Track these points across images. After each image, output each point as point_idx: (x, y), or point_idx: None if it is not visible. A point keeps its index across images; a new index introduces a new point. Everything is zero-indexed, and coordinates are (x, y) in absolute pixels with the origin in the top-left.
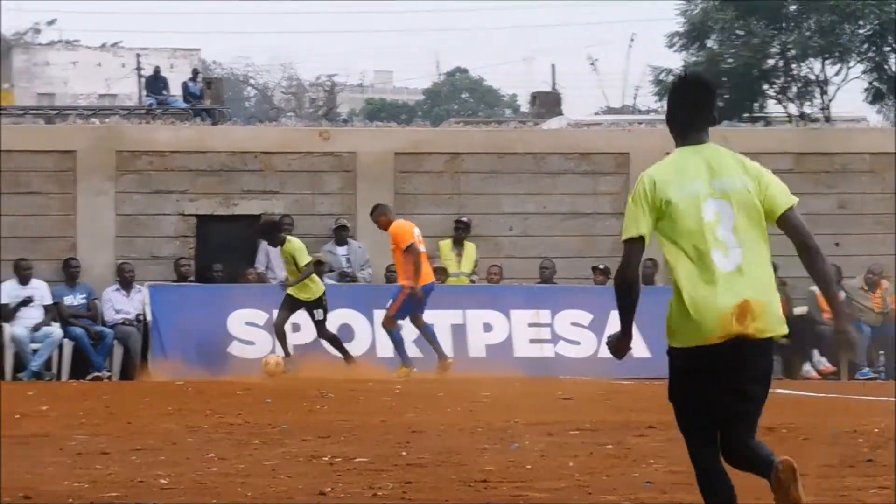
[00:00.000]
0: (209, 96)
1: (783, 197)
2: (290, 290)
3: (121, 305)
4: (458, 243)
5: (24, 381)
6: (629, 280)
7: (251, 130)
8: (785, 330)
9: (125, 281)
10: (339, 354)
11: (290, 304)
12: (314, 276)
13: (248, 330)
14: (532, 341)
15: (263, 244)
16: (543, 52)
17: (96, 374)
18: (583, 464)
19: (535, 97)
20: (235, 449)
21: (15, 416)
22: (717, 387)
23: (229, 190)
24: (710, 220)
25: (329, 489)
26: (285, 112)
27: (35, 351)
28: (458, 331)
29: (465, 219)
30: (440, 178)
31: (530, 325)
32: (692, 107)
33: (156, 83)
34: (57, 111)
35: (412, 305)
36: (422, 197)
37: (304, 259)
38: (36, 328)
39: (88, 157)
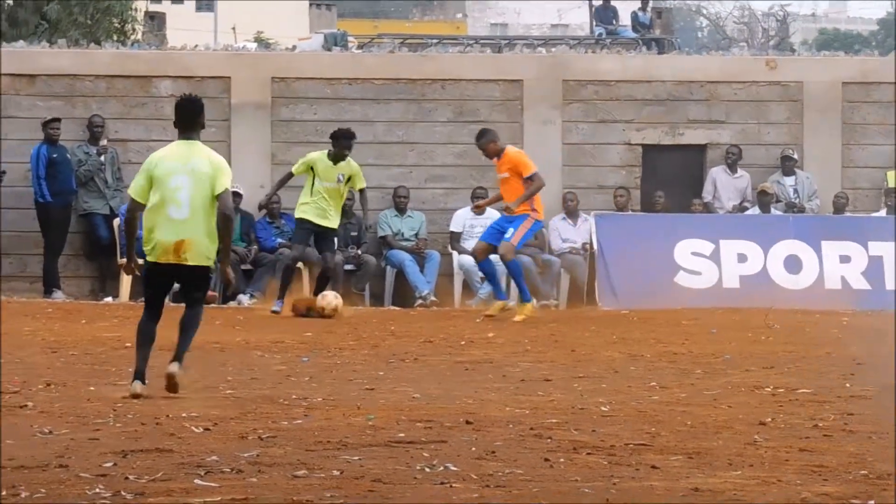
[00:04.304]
0: (658, 26)
1: (221, 183)
2: (308, 216)
3: (567, 234)
4: None
5: (471, 307)
6: None
7: (697, 60)
8: None
9: (570, 210)
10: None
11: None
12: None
13: (694, 260)
14: None
15: (711, 173)
16: None
17: (544, 302)
18: None
19: None
20: (677, 378)
21: (461, 343)
22: None
23: (675, 119)
24: (175, 187)
25: (769, 419)
26: (737, 42)
27: (482, 279)
28: None
29: None
30: (888, 108)
31: None
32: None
33: (605, 13)
34: (507, 41)
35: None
36: (870, 127)
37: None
38: None
39: (535, 86)
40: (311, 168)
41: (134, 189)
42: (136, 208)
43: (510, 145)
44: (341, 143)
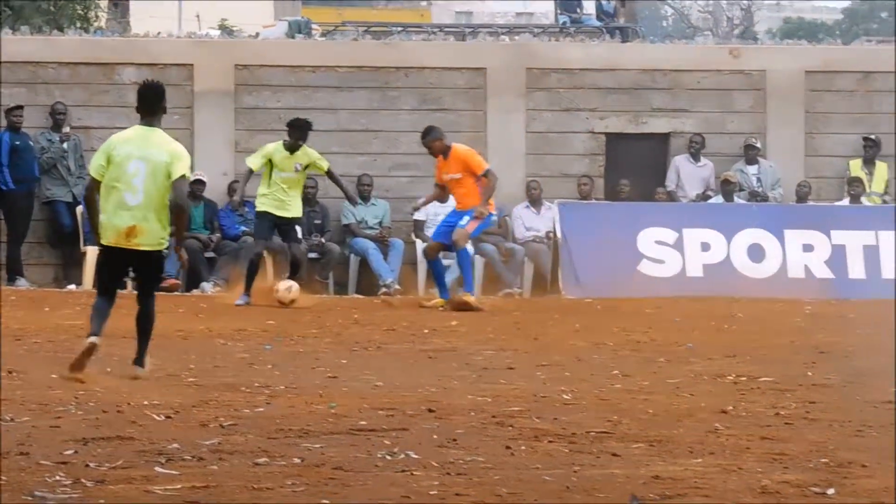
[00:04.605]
0: (623, 15)
1: (177, 169)
2: (268, 209)
3: (531, 223)
4: (868, 163)
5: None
6: None
7: (660, 49)
8: None
9: (534, 198)
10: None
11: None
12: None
13: (657, 248)
14: None
15: (675, 162)
16: None
17: (507, 290)
18: None
19: None
20: (640, 366)
21: (424, 331)
22: None
23: (638, 108)
24: (132, 173)
25: (731, 407)
26: (702, 31)
27: (447, 268)
28: (871, 252)
29: (873, 136)
30: (852, 97)
31: None
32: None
33: (569, 2)
34: (472, 29)
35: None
36: (833, 116)
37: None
38: None
39: (499, 75)
40: (269, 160)
41: (94, 168)
42: (95, 187)
43: (456, 143)
44: (297, 133)
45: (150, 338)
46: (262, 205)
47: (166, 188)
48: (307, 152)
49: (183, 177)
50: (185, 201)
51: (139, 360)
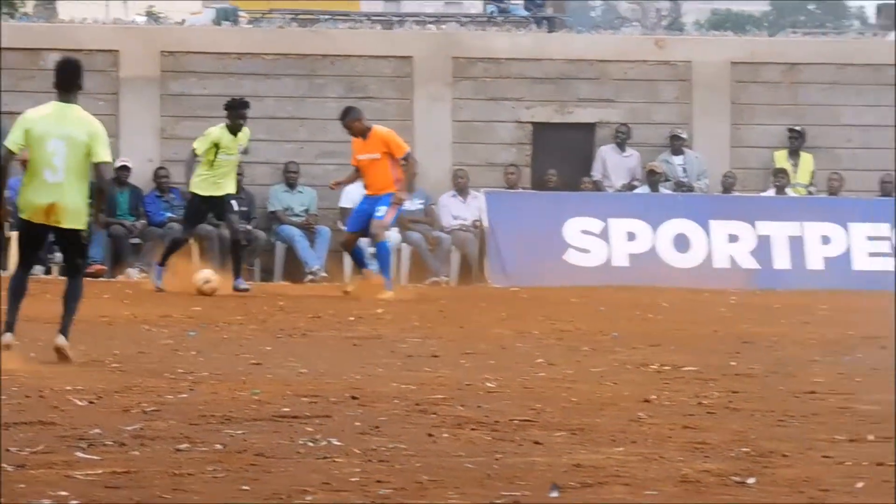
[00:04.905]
0: (550, 4)
1: (98, 153)
2: (201, 191)
3: (458, 211)
4: (793, 154)
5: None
6: None
7: (587, 38)
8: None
9: (461, 187)
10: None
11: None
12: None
13: (583, 238)
14: (871, 255)
15: (601, 152)
16: None
17: (434, 278)
18: None
19: (881, 9)
20: (564, 355)
21: (350, 318)
22: None
23: (565, 97)
24: (51, 151)
25: (654, 396)
26: (630, 21)
27: (372, 255)
28: (796, 243)
29: (798, 128)
30: (777, 88)
31: (869, 238)
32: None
33: None
34: (399, 18)
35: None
36: (758, 107)
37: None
38: None
39: (426, 63)
40: (216, 144)
41: (10, 141)
42: (9, 158)
43: (376, 124)
44: (237, 113)
45: (75, 313)
46: (197, 186)
47: (87, 167)
48: (246, 133)
49: (107, 161)
50: (107, 185)
51: (63, 330)
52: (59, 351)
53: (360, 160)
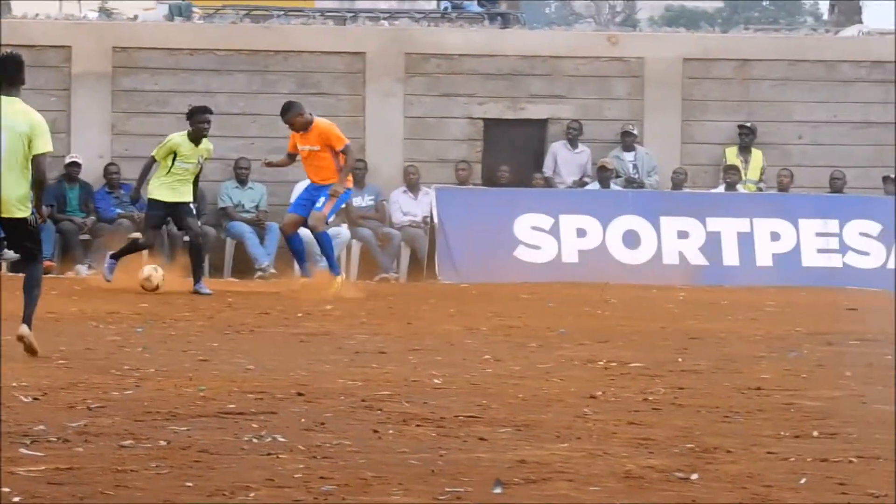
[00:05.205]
0: (504, 1)
1: (37, 145)
2: (160, 196)
3: (408, 207)
4: (744, 150)
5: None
6: None
7: (539, 35)
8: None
9: (411, 183)
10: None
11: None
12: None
13: (533, 234)
14: (820, 251)
15: (552, 148)
16: None
17: (383, 275)
18: (861, 374)
19: (834, 5)
20: (512, 351)
21: (297, 315)
22: None
23: (517, 94)
24: None
25: (600, 392)
26: (584, 18)
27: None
28: (745, 239)
29: (748, 124)
30: (729, 84)
31: (818, 234)
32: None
33: None
34: (352, 14)
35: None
36: (710, 103)
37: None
38: None
39: (378, 59)
40: (174, 151)
41: None
42: None
43: (318, 117)
44: (196, 119)
45: (36, 301)
46: (154, 191)
47: (27, 158)
48: (208, 144)
49: (44, 153)
50: (44, 177)
51: (26, 320)
52: (23, 340)
53: (300, 150)
